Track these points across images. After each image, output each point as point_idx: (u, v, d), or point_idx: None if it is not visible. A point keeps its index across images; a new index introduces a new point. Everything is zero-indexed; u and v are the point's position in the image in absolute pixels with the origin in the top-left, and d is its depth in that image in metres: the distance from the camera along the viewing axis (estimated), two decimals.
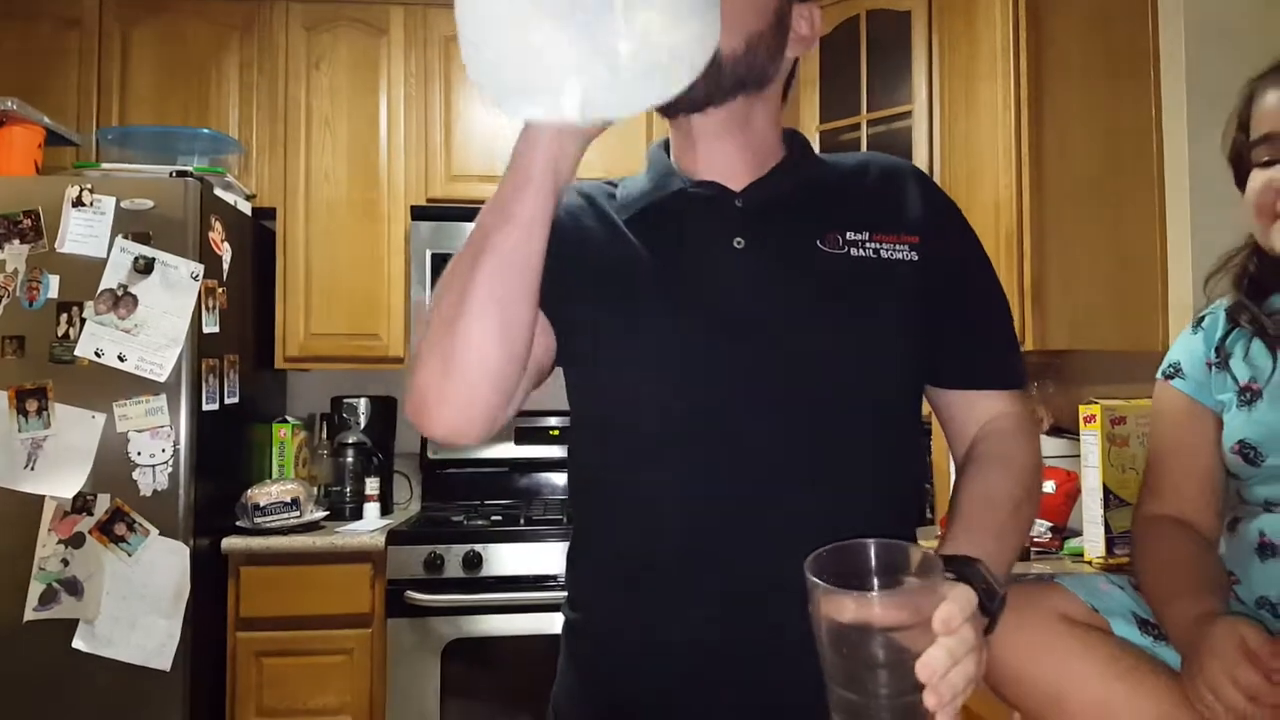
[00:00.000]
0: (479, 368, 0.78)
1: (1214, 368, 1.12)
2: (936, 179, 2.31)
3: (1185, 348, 1.17)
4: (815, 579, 0.61)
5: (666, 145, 1.00)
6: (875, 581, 0.64)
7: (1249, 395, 1.04)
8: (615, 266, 0.93)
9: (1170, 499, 1.13)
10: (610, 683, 0.92)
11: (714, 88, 0.88)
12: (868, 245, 0.92)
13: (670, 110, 0.92)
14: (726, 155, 0.94)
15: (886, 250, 0.92)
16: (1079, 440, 1.95)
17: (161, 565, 2.19)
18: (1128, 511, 1.85)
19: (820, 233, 0.92)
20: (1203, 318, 1.15)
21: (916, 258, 0.92)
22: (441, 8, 2.83)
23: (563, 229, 0.93)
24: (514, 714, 2.39)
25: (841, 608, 0.61)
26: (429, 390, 0.80)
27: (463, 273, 0.78)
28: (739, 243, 0.91)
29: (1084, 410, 1.91)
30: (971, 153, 2.26)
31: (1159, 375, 1.19)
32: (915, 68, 2.42)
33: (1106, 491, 1.87)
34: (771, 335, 0.88)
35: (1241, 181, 1.08)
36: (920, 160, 2.37)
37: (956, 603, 0.63)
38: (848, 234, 0.92)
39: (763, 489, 0.86)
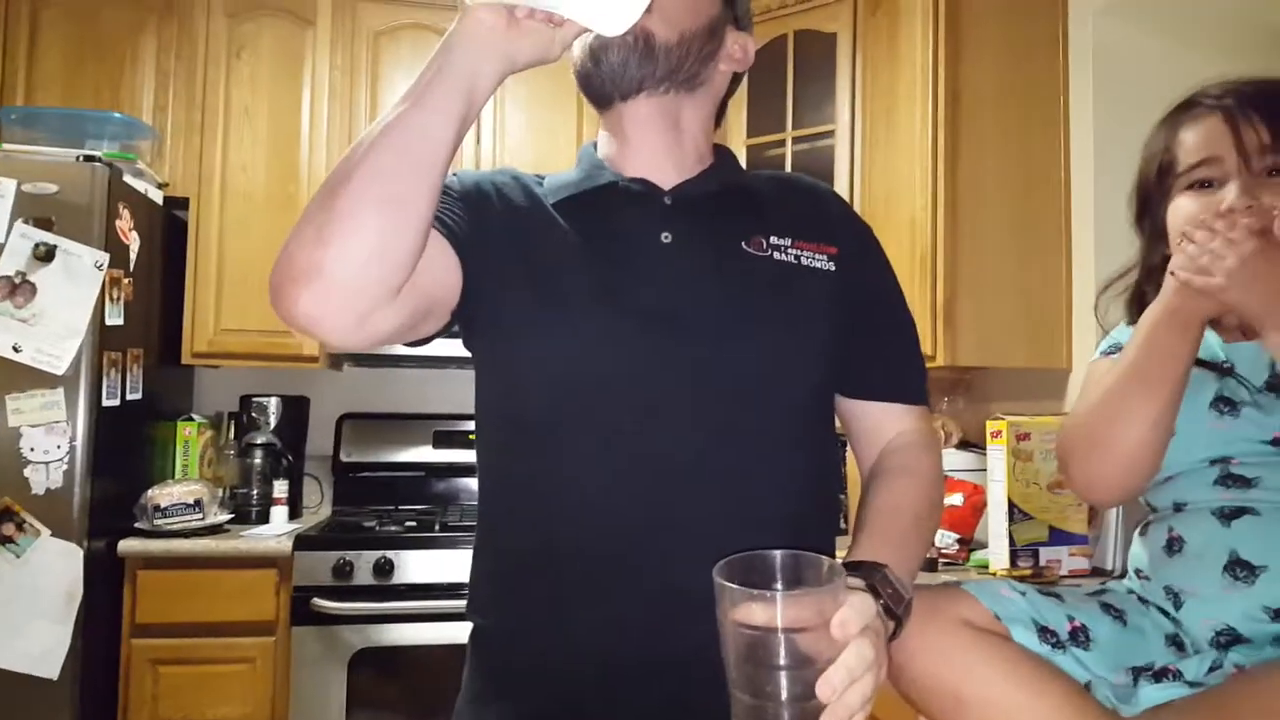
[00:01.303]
0: (356, 241, 0.71)
1: None
2: (856, 197, 2.38)
3: (1124, 335, 1.22)
4: (721, 580, 0.63)
5: (595, 147, 1.02)
6: (779, 586, 0.65)
7: None
8: (540, 245, 0.92)
9: None
10: (516, 689, 0.91)
11: (647, 71, 0.92)
12: (790, 250, 0.95)
13: (603, 96, 0.94)
14: (655, 153, 0.96)
15: (807, 258, 0.95)
16: (986, 455, 2.01)
17: (52, 568, 2.09)
18: (1031, 524, 1.92)
19: (745, 234, 0.95)
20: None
21: (834, 269, 0.96)
22: (371, 2, 2.79)
23: (488, 198, 0.94)
24: None
25: (745, 608, 0.62)
26: (297, 257, 0.72)
27: (357, 147, 0.74)
28: (666, 238, 0.93)
29: (991, 425, 1.97)
30: (890, 173, 2.32)
31: (1098, 354, 1.24)
32: (839, 88, 2.49)
33: (1011, 505, 1.92)
34: (692, 331, 0.89)
35: (1147, 216, 1.14)
36: (841, 178, 2.44)
37: (854, 608, 0.64)
38: (771, 238, 0.95)
39: (675, 487, 0.86)
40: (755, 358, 0.90)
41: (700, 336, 0.89)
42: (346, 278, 0.72)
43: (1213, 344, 1.08)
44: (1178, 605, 1.03)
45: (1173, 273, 0.99)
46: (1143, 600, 1.08)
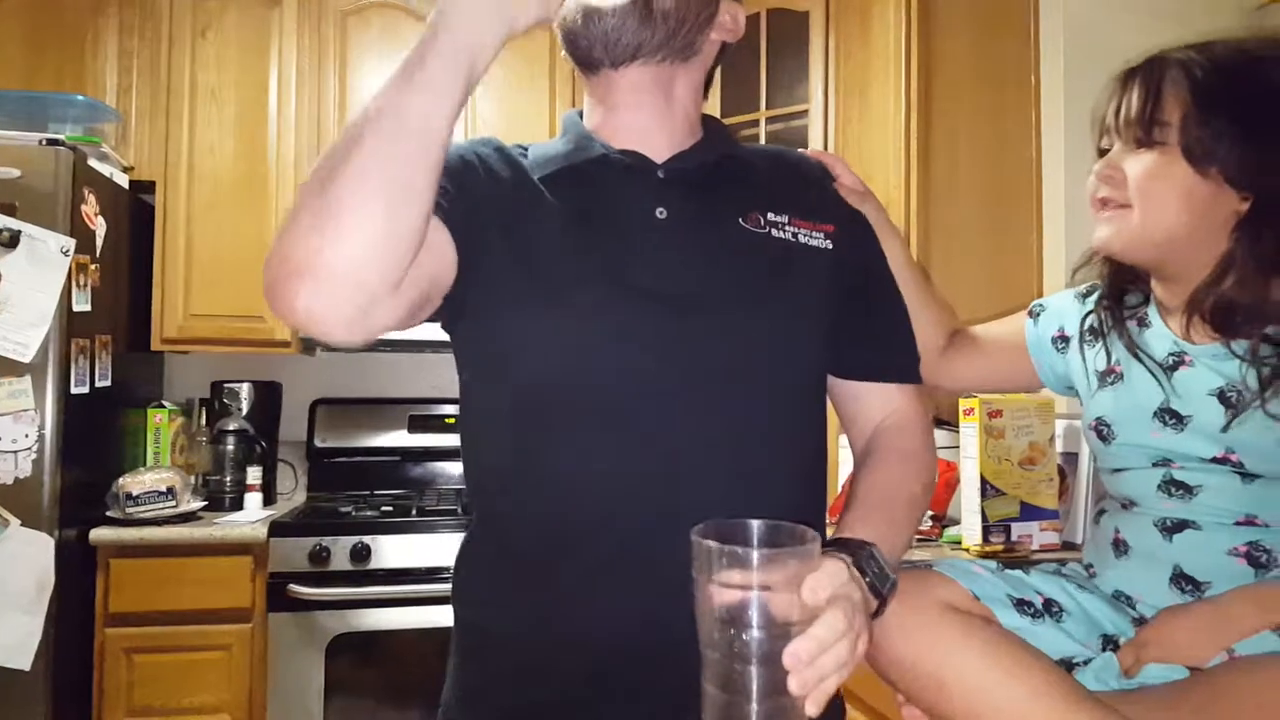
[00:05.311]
0: (358, 231, 0.67)
1: (1061, 343, 1.18)
2: None
3: (1057, 310, 1.21)
4: (697, 539, 0.63)
5: (581, 115, 0.98)
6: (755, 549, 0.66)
7: (1113, 378, 1.08)
8: (528, 223, 0.88)
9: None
10: (510, 683, 0.88)
11: (643, 37, 0.87)
12: (787, 228, 0.93)
13: (592, 61, 0.90)
14: (645, 124, 0.93)
15: (804, 236, 0.93)
16: (958, 432, 2.03)
17: (23, 558, 2.07)
18: (1003, 500, 1.94)
19: (742, 210, 0.92)
20: (1091, 290, 1.18)
21: (831, 247, 0.94)
22: None
23: (473, 170, 0.89)
24: (401, 711, 2.34)
25: (719, 565, 0.62)
26: (294, 250, 0.67)
27: (351, 131, 0.69)
28: (661, 213, 0.89)
29: (963, 403, 1.98)
30: (864, 152, 2.33)
31: (1029, 309, 1.24)
32: (812, 68, 2.49)
33: (984, 481, 1.94)
34: (690, 310, 0.86)
35: None
36: None
37: (825, 573, 0.64)
38: (769, 214, 0.92)
39: (675, 471, 0.84)
40: (755, 339, 0.88)
41: (698, 316, 0.86)
42: (348, 270, 0.67)
43: (1166, 337, 1.05)
44: (1132, 606, 1.03)
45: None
46: (1098, 591, 1.07)
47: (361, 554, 2.34)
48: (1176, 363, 1.02)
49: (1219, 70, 0.97)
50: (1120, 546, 1.05)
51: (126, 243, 2.52)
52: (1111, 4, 2.11)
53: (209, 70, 2.67)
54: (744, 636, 0.62)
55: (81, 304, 2.21)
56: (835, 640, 0.63)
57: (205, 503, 2.54)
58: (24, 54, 2.57)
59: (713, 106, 2.60)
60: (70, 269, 2.14)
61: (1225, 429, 0.96)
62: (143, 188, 2.62)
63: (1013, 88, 2.22)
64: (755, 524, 0.67)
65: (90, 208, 2.25)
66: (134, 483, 2.35)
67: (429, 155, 0.70)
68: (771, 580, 0.62)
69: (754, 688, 0.62)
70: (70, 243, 2.13)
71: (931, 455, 0.96)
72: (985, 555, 1.88)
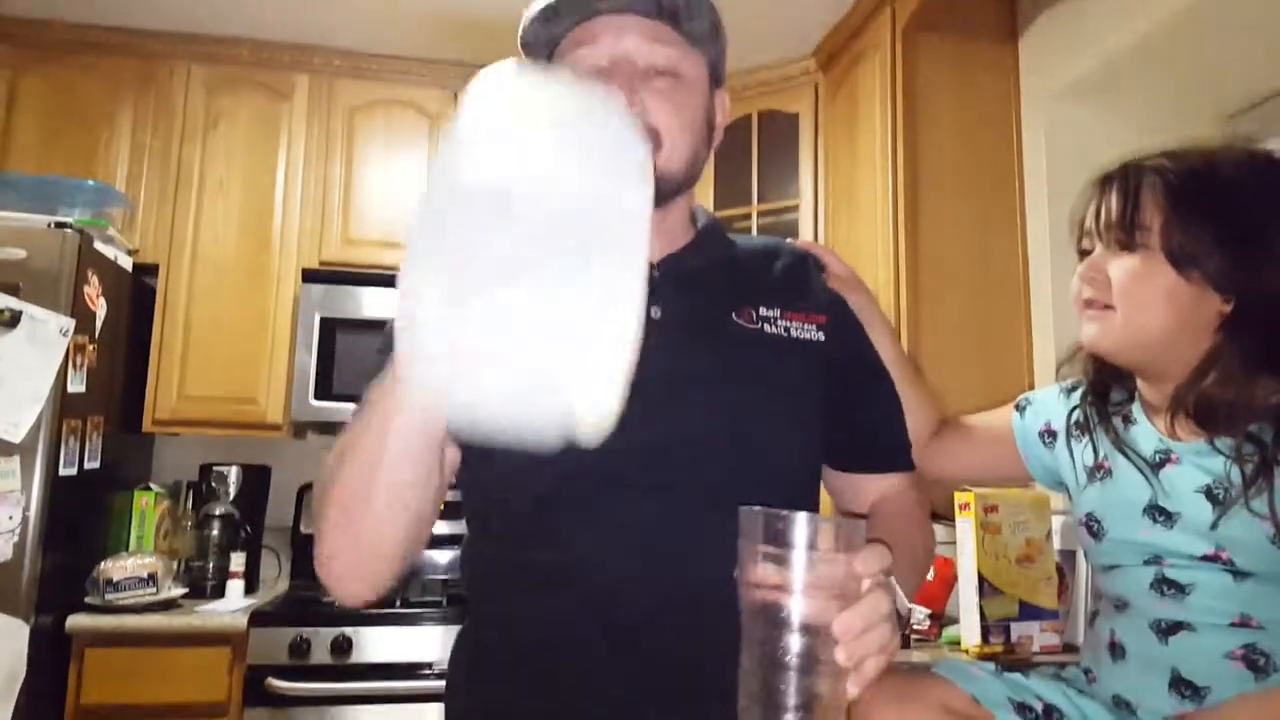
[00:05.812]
0: (390, 547, 0.80)
1: (1048, 438, 1.19)
2: None
3: (1043, 404, 1.23)
4: (747, 510, 0.65)
5: None
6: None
7: (1101, 474, 1.09)
8: None
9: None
10: None
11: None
12: (779, 322, 0.95)
13: None
14: None
15: (796, 329, 0.95)
16: (954, 527, 2.01)
17: None
18: (1002, 599, 1.91)
19: (735, 307, 0.94)
20: (1076, 386, 1.20)
21: (823, 339, 0.96)
22: (348, 79, 2.85)
23: None
24: None
25: (766, 533, 0.64)
26: (341, 567, 0.81)
27: (363, 458, 0.76)
28: (655, 313, 0.91)
29: (959, 498, 1.96)
30: (853, 247, 2.39)
31: (1015, 403, 1.26)
32: (802, 167, 2.58)
33: (981, 579, 1.91)
34: (686, 409, 0.88)
35: None
36: None
37: (873, 552, 0.65)
38: (760, 309, 0.94)
39: (676, 568, 0.84)
40: (750, 435, 0.89)
41: (694, 415, 0.88)
42: (384, 571, 0.82)
43: (1152, 435, 1.06)
44: (1132, 712, 1.01)
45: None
46: (1096, 698, 1.06)
47: (343, 647, 2.27)
48: (1163, 460, 1.03)
49: (1194, 176, 1.01)
50: (1117, 650, 1.04)
51: (126, 324, 2.53)
52: (1091, 110, 2.19)
53: (218, 163, 2.74)
54: (787, 608, 0.62)
55: (76, 384, 2.21)
56: (880, 620, 0.64)
57: (186, 590, 2.48)
58: (38, 141, 2.64)
59: (705, 199, 2.67)
60: (68, 349, 2.14)
61: (1214, 526, 0.96)
62: (145, 270, 2.65)
63: (997, 189, 2.29)
64: (801, 514, 0.68)
65: (93, 289, 2.27)
66: (115, 568, 2.30)
67: (433, 461, 0.77)
68: (817, 553, 0.63)
69: (794, 663, 0.62)
70: (70, 324, 2.14)
71: (929, 529, 0.97)
72: (985, 656, 1.84)
